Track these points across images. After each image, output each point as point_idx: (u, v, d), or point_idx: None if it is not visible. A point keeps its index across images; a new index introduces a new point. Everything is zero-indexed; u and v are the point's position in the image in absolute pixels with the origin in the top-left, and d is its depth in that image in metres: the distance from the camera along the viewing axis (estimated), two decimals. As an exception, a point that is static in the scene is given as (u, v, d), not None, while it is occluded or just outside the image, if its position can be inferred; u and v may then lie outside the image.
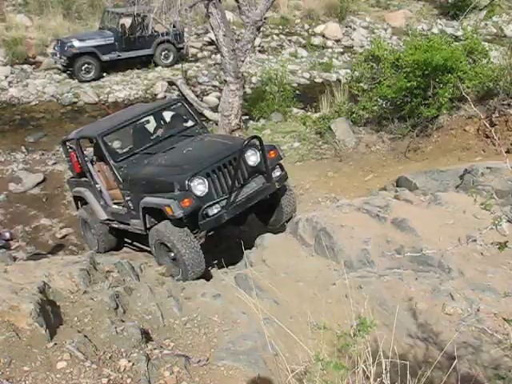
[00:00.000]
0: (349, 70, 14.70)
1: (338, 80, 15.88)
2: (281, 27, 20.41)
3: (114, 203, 8.07)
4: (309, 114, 13.26)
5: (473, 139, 9.86)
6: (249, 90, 15.24)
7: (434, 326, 4.98)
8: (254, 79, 16.50)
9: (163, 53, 17.51)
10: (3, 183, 10.91)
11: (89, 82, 16.45)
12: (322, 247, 6.19)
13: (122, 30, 16.74)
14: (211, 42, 17.52)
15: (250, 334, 4.41)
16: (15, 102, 15.65)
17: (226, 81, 10.78)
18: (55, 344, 3.42)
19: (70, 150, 8.55)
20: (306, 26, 20.61)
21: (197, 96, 15.31)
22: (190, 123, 8.25)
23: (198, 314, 4.70)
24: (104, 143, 7.62)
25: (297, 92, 15.30)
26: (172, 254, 6.69)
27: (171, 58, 17.64)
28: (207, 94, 15.91)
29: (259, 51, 18.59)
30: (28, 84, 16.32)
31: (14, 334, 3.36)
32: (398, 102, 10.76)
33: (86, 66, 16.48)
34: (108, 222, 8.19)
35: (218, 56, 11.94)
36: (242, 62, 10.84)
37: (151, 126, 8.52)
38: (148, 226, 7.02)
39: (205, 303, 4.91)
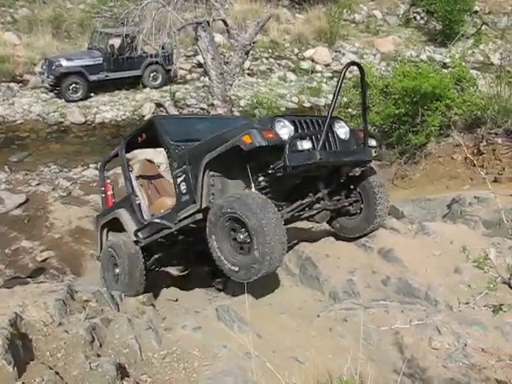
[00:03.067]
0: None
1: (327, 105, 15.88)
2: (270, 51, 20.47)
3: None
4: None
5: (460, 167, 9.86)
6: (237, 113, 15.20)
7: (421, 361, 4.86)
8: (242, 102, 16.46)
9: (152, 74, 17.48)
10: (-16, 203, 10.72)
11: (76, 101, 16.38)
12: (307, 277, 6.08)
13: (110, 50, 16.71)
14: (200, 65, 17.50)
15: (231, 370, 4.26)
16: (0, 120, 15.49)
17: (213, 104, 10.74)
18: (23, 383, 3.25)
19: (106, 180, 7.74)
20: (296, 50, 20.69)
21: (185, 118, 15.24)
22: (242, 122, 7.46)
23: (178, 347, 4.54)
24: (162, 127, 6.54)
25: (285, 116, 15.25)
26: (241, 236, 5.25)
27: (160, 80, 17.60)
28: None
29: (248, 74, 18.60)
30: (14, 102, 16.21)
31: (-20, 371, 3.20)
32: (387, 129, 10.76)
33: (74, 85, 16.41)
34: (141, 238, 6.83)
35: (207, 78, 11.88)
36: (231, 85, 10.82)
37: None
38: (209, 200, 5.71)
39: (185, 336, 4.75)
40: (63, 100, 16.40)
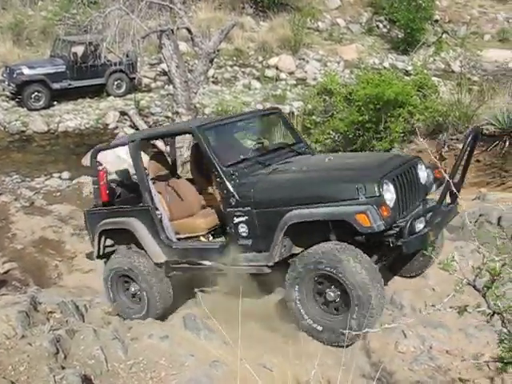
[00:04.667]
0: (302, 103, 14.81)
1: (291, 112, 15.96)
2: (235, 59, 20.51)
3: (179, 238, 6.12)
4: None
5: (423, 173, 9.99)
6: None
7: (388, 365, 4.90)
8: (207, 110, 16.43)
9: (116, 82, 17.32)
10: None
11: (38, 110, 16.10)
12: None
13: (73, 58, 16.52)
14: (164, 73, 17.44)
15: (198, 379, 4.22)
16: (-40, 129, 15.19)
17: (178, 112, 10.69)
18: (-16, 398, 3.18)
19: (99, 167, 6.67)
20: (260, 58, 20.77)
21: (149, 127, 15.14)
22: (293, 139, 6.77)
23: (145, 356, 4.49)
24: (206, 139, 5.68)
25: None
26: (332, 295, 4.82)
27: (124, 88, 17.46)
28: (160, 125, 15.77)
29: (213, 82, 18.60)
30: (-26, 111, 15.88)
31: None
32: (351, 136, 10.84)
33: (36, 93, 16.16)
34: (169, 265, 6.07)
35: (171, 86, 11.84)
36: (195, 93, 10.79)
37: (254, 132, 7.15)
38: (284, 254, 5.14)
39: (152, 345, 4.70)
40: (25, 108, 16.12)
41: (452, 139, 9.80)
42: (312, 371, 3.66)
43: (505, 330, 1.95)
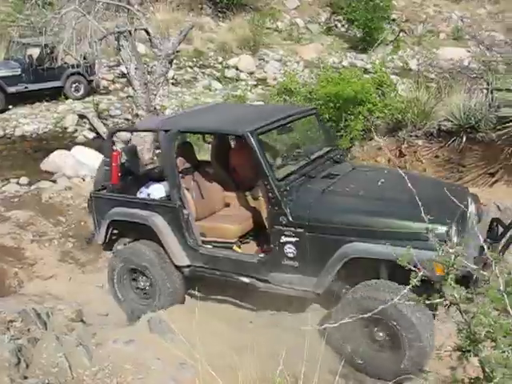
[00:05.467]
0: (262, 103, 14.83)
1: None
2: (194, 60, 20.43)
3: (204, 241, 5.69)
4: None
5: (384, 170, 10.13)
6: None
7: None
8: (167, 112, 16.30)
9: (74, 85, 17.06)
10: None
11: (-7, 114, 15.74)
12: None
13: (29, 60, 16.20)
14: (123, 75, 17.25)
15: (166, 382, 4.20)
16: None
17: (137, 114, 10.57)
18: None
19: (113, 148, 6.25)
20: (220, 59, 20.75)
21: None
22: (328, 144, 6.31)
23: (110, 362, 4.43)
24: (260, 146, 5.10)
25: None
26: (381, 334, 4.64)
27: (82, 91, 17.21)
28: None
29: (173, 84, 18.47)
30: None
31: None
32: (312, 134, 10.90)
33: (-9, 98, 15.79)
34: (191, 269, 5.69)
35: (131, 89, 11.70)
36: (155, 95, 10.68)
37: (293, 136, 6.57)
38: (335, 286, 4.86)
39: (117, 350, 4.64)
40: (-20, 113, 15.76)
41: (411, 136, 9.93)
42: (279, 369, 3.67)
43: (462, 320, 1.98)
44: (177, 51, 11.18)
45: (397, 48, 22.33)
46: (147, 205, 5.76)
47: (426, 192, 4.28)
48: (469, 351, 1.87)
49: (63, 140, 14.73)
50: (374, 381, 4.70)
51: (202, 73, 19.81)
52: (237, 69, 20.13)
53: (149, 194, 6.02)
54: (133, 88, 10.52)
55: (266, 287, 5.25)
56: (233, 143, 6.95)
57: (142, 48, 16.81)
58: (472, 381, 1.78)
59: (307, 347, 3.62)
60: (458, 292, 1.99)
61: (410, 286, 2.23)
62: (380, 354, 4.69)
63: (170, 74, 17.07)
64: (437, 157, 9.69)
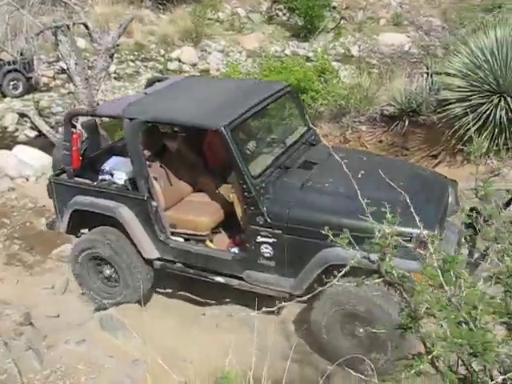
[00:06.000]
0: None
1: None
2: (136, 53, 20.14)
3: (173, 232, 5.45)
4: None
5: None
6: (106, 119, 14.82)
7: (307, 346, 5.02)
8: (113, 103, 16.10)
9: (11, 83, 16.52)
10: None
11: None
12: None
13: (-38, 59, 15.68)
14: (63, 71, 16.87)
15: (120, 379, 4.18)
16: None
17: (80, 110, 10.37)
18: None
19: (73, 130, 5.82)
20: (162, 51, 20.51)
21: (51, 127, 14.56)
22: (303, 125, 5.90)
23: (62, 364, 4.38)
24: (235, 142, 4.82)
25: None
26: (361, 330, 4.64)
27: (21, 88, 16.69)
28: (63, 125, 15.23)
29: (115, 78, 18.17)
30: None
31: None
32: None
33: None
34: (160, 263, 5.48)
35: (72, 85, 11.45)
36: (97, 90, 10.48)
37: (266, 120, 6.16)
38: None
39: (68, 351, 4.59)
40: None
41: (355, 122, 10.09)
42: (233, 360, 3.68)
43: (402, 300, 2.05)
44: (117, 45, 10.99)
45: (338, 35, 22.56)
46: (114, 195, 5.43)
47: (409, 187, 3.96)
48: (410, 328, 1.94)
49: (3, 140, 14.29)
50: (327, 363, 4.78)
51: (145, 66, 19.55)
52: (179, 61, 19.96)
53: (111, 174, 5.70)
54: (74, 84, 10.30)
55: (241, 285, 5.11)
56: None
57: (81, 43, 16.45)
58: (414, 357, 1.85)
59: (258, 336, 3.65)
60: (397, 271, 2.05)
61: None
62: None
63: (112, 68, 16.79)
64: (381, 141, 9.89)
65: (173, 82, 6.20)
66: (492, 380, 1.85)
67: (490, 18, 12.06)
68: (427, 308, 1.79)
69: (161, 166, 5.72)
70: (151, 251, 5.37)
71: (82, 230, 6.02)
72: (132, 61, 19.72)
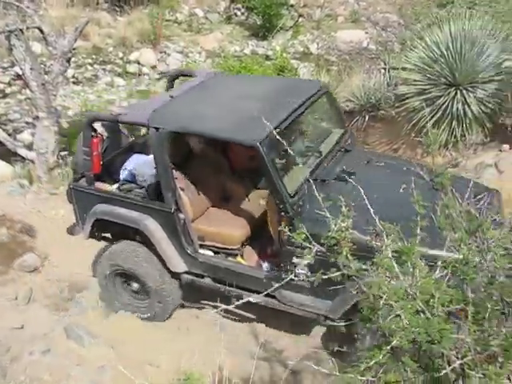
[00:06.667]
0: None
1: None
2: (94, 57, 19.87)
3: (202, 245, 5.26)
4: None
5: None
6: (66, 125, 14.59)
7: (276, 345, 5.04)
8: (70, 112, 15.83)
9: (-35, 90, 16.22)
10: None
11: None
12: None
13: None
14: (19, 76, 16.55)
15: (86, 387, 4.11)
16: None
17: (38, 117, 10.20)
18: None
19: (93, 135, 5.50)
20: (120, 54, 20.28)
21: (9, 135, 14.20)
22: (339, 128, 5.60)
23: (26, 376, 4.31)
24: (272, 159, 4.51)
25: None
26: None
27: (-25, 96, 16.40)
28: (20, 132, 14.90)
29: (73, 83, 17.89)
30: None
31: None
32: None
33: None
34: (190, 276, 5.28)
35: (28, 90, 11.24)
36: (55, 95, 10.32)
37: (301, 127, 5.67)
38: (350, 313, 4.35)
39: (33, 362, 4.51)
40: None
41: (315, 118, 10.15)
42: (201, 361, 3.68)
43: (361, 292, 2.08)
44: (74, 49, 10.85)
45: (296, 33, 22.66)
46: (139, 206, 5.21)
47: None
48: (370, 319, 1.96)
49: (-40, 151, 13.96)
50: (296, 360, 4.81)
51: (103, 69, 19.31)
52: (139, 63, 19.76)
53: (134, 174, 5.52)
54: (30, 90, 10.13)
55: (274, 304, 4.94)
56: None
57: (37, 47, 16.17)
58: (375, 348, 1.86)
59: (226, 336, 3.65)
60: (354, 264, 2.07)
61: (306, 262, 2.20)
62: None
63: (70, 72, 16.54)
64: (341, 137, 9.96)
65: (200, 82, 5.90)
66: (450, 365, 1.89)
67: (443, 13, 12.27)
68: (385, 299, 1.82)
69: (187, 174, 5.49)
70: (179, 265, 5.20)
71: (104, 234, 5.95)
72: (90, 64, 19.46)
